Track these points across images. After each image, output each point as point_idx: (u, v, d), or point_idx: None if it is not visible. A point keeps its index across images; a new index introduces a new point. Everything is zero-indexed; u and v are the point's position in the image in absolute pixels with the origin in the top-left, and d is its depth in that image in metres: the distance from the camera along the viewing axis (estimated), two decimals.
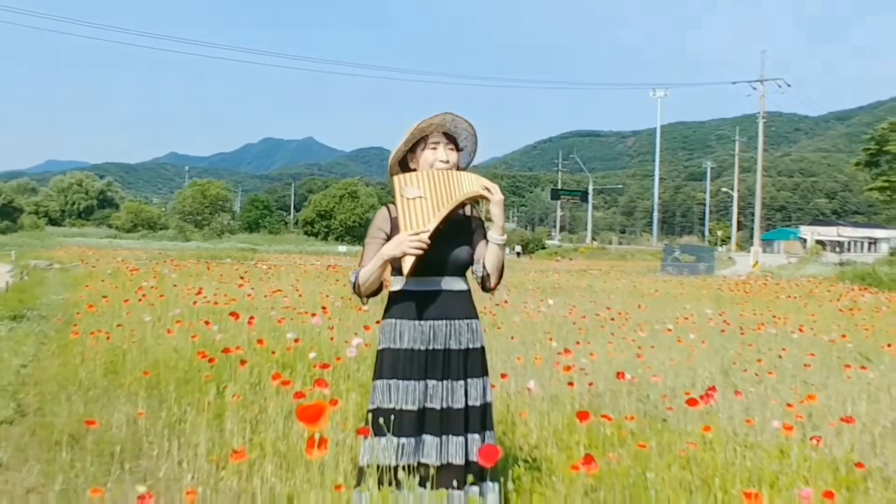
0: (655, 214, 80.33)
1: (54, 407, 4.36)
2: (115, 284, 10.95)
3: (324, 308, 7.33)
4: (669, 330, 7.61)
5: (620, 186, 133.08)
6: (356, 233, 66.29)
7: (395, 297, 2.48)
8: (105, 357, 5.47)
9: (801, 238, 62.93)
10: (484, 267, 2.49)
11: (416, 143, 2.51)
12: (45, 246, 36.13)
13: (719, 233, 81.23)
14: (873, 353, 6.74)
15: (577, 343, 6.45)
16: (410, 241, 2.32)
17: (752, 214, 44.87)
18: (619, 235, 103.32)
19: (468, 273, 2.54)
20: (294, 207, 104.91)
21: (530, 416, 3.99)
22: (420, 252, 2.32)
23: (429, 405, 2.38)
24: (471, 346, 2.46)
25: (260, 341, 4.95)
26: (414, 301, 2.43)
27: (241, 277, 12.55)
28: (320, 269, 20.32)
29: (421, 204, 2.38)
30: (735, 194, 60.06)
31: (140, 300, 7.76)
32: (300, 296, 9.25)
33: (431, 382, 2.40)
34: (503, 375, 4.53)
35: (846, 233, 63.79)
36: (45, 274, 17.03)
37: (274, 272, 17.09)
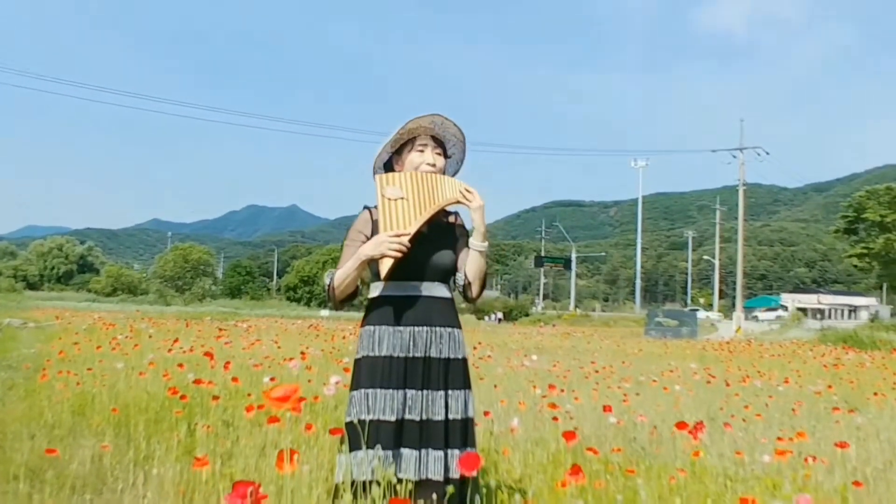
0: (638, 283, 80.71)
1: (16, 444, 4.16)
2: (89, 338, 10.71)
3: (302, 354, 7.16)
4: (655, 381, 7.52)
5: (603, 255, 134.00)
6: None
7: (373, 303, 2.38)
8: (73, 400, 5.27)
9: (782, 305, 63.31)
10: (465, 275, 2.40)
11: (403, 145, 2.44)
12: (21, 308, 35.55)
13: (701, 300, 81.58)
14: (860, 403, 6.68)
15: (562, 391, 6.33)
16: (390, 242, 2.23)
17: (734, 283, 45.15)
18: (603, 303, 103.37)
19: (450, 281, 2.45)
20: (277, 274, 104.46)
21: (514, 454, 3.85)
22: (399, 254, 2.23)
23: (408, 416, 2.25)
24: (452, 355, 2.35)
25: (234, 379, 4.79)
26: (393, 307, 2.33)
27: (220, 330, 12.34)
28: (301, 328, 20.08)
29: (402, 205, 2.30)
30: (717, 262, 60.56)
31: (113, 349, 7.57)
32: (279, 348, 9.07)
33: (410, 392, 2.27)
34: (486, 413, 4.39)
35: (826, 300, 64.32)
36: (19, 332, 16.67)
37: (254, 330, 16.84)
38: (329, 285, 2.35)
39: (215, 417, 4.15)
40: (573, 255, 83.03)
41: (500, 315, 58.53)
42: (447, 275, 2.41)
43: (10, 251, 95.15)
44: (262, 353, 8.07)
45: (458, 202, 2.38)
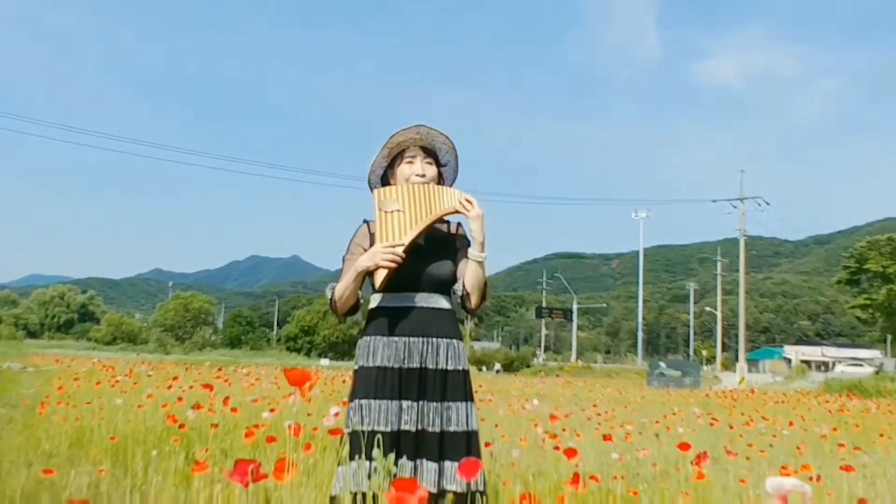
0: (640, 335, 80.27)
1: (12, 470, 4.12)
2: (88, 378, 10.66)
3: (302, 392, 7.11)
4: (657, 422, 7.45)
5: (605, 306, 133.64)
6: (339, 349, 65.62)
7: (371, 315, 2.38)
8: (71, 433, 5.24)
9: (785, 358, 62.88)
10: (464, 286, 2.39)
11: (394, 158, 2.48)
12: (21, 354, 35.38)
13: (704, 352, 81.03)
14: (865, 445, 6.60)
15: (564, 430, 6.27)
16: (384, 253, 2.24)
17: (736, 335, 44.93)
18: (604, 355, 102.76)
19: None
20: (277, 324, 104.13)
21: (514, 485, 3.80)
22: (393, 265, 2.25)
23: (403, 427, 2.23)
24: (450, 367, 2.32)
25: (234, 409, 4.77)
26: (389, 317, 2.33)
27: (220, 370, 12.26)
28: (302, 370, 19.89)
29: (398, 217, 2.33)
30: (719, 314, 60.33)
31: (112, 386, 7.53)
32: (278, 388, 9.01)
33: (406, 403, 2.25)
34: (487, 444, 4.35)
35: (830, 353, 63.87)
36: (19, 375, 16.58)
37: (254, 375, 16.73)
38: (331, 298, 2.37)
39: (214, 446, 4.11)
40: (574, 307, 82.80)
41: (499, 366, 58.20)
42: (445, 285, 2.40)
43: (11, 299, 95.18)
44: (262, 392, 8.03)
45: (457, 212, 2.38)
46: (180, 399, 5.58)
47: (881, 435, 6.61)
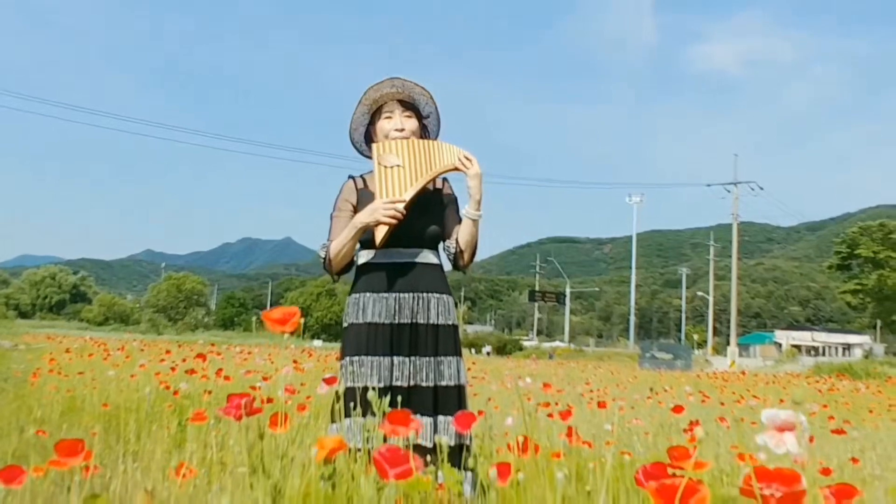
0: (632, 319, 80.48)
1: (4, 435, 4.11)
2: (80, 353, 10.63)
3: (295, 362, 7.13)
4: (650, 397, 7.49)
5: (597, 290, 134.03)
6: (332, 331, 65.59)
7: (360, 271, 2.36)
8: (64, 403, 5.22)
9: (776, 342, 63.24)
10: (457, 243, 2.37)
11: (374, 115, 2.44)
12: (12, 333, 35.27)
13: (695, 337, 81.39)
14: (855, 421, 6.65)
15: (556, 403, 6.29)
16: (385, 209, 2.21)
17: (728, 320, 45.12)
18: (596, 339, 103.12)
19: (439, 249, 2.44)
20: (270, 306, 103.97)
21: (507, 454, 3.82)
22: (395, 221, 2.22)
23: (395, 383, 2.22)
24: (442, 321, 2.31)
25: (227, 378, 4.76)
26: (379, 273, 2.31)
27: (212, 345, 12.25)
28: (295, 352, 19.94)
29: (398, 173, 2.29)
30: (711, 299, 60.56)
31: (105, 359, 7.51)
32: (272, 363, 9.01)
33: (398, 359, 2.25)
34: (480, 412, 4.36)
35: (820, 338, 64.27)
36: (10, 352, 16.54)
37: (247, 351, 16.72)
38: (325, 258, 2.34)
39: (208, 413, 4.11)
40: (567, 291, 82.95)
41: (489, 348, 58.35)
42: (435, 241, 2.39)
43: (2, 279, 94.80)
44: (255, 366, 8.02)
45: (456, 169, 2.36)
46: (173, 369, 5.57)
47: (870, 411, 6.66)
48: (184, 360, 7.37)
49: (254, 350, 20.25)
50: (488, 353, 54.56)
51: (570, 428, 2.22)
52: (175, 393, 4.07)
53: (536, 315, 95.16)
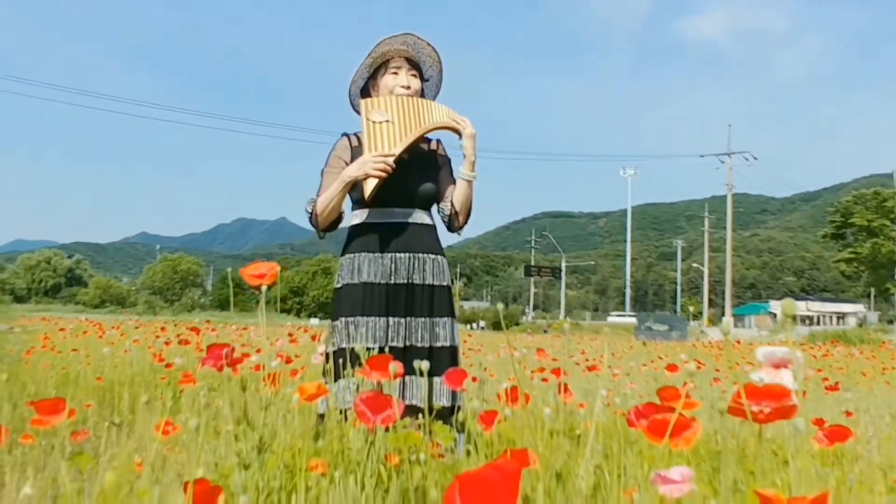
0: (628, 292, 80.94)
1: None
2: (75, 334, 10.62)
3: (290, 335, 7.12)
4: (644, 366, 7.51)
5: (593, 264, 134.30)
6: (329, 309, 65.57)
7: (354, 231, 2.33)
8: (58, 379, 5.21)
9: (771, 312, 63.53)
10: (452, 204, 2.36)
11: (377, 69, 2.40)
12: (8, 317, 35.24)
13: (691, 308, 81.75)
14: (849, 385, 6.68)
15: (553, 370, 6.30)
16: (375, 162, 2.18)
17: (723, 292, 45.28)
18: (593, 313, 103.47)
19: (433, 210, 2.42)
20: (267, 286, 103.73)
21: (502, 417, 3.81)
22: (384, 175, 2.19)
23: (391, 344, 2.20)
24: (437, 282, 2.30)
25: None
26: (374, 234, 2.28)
27: (208, 322, 12.24)
28: (292, 329, 19.98)
29: (388, 128, 2.26)
30: (706, 271, 60.71)
31: (100, 337, 7.49)
32: (267, 338, 9.02)
33: (393, 319, 2.23)
34: (474, 379, 4.36)
35: (815, 307, 64.54)
36: (6, 335, 16.51)
37: (243, 329, 16.73)
38: (311, 212, 2.30)
39: (202, 382, 4.09)
40: (563, 265, 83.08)
41: (483, 323, 58.51)
42: (429, 202, 2.37)
43: None
44: (249, 340, 8.02)
45: (449, 128, 2.34)
46: (167, 343, 5.56)
47: (864, 374, 6.68)
48: (178, 337, 7.36)
49: (250, 328, 20.31)
50: (482, 328, 54.69)
51: (564, 385, 2.20)
52: (168, 366, 4.05)
53: (532, 290, 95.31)
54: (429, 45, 2.40)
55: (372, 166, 2.18)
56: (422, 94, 2.44)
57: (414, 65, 2.40)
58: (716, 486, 1.42)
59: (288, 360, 3.25)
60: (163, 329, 8.03)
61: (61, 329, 7.86)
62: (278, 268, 1.46)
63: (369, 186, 2.20)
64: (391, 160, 2.20)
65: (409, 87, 2.35)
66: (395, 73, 2.36)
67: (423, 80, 2.44)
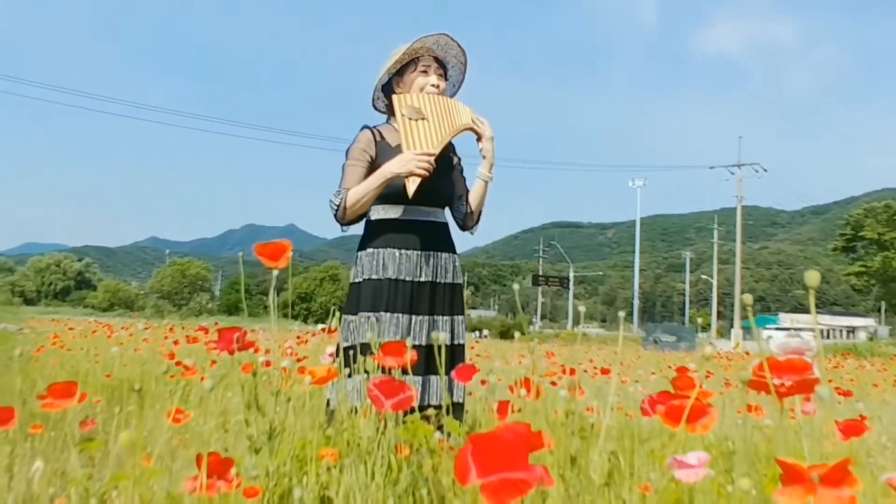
0: (636, 303, 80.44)
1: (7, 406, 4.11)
2: (84, 335, 10.66)
3: (298, 337, 7.14)
4: (654, 373, 7.48)
5: (601, 274, 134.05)
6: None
7: (376, 226, 2.31)
8: (67, 377, 5.23)
9: (781, 327, 63.16)
10: (468, 203, 2.38)
11: (405, 66, 2.39)
12: (18, 319, 35.38)
13: (699, 320, 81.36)
14: (861, 395, 6.63)
15: (562, 375, 6.28)
16: (418, 161, 2.16)
17: (732, 304, 45.12)
18: (601, 324, 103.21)
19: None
20: (274, 291, 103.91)
21: (511, 416, 3.81)
22: (426, 173, 2.17)
23: (414, 342, 2.19)
24: (456, 280, 2.34)
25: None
26: (399, 231, 2.28)
27: (216, 324, 12.28)
28: (299, 332, 20.03)
29: (424, 126, 2.25)
30: (714, 282, 60.45)
31: (109, 337, 7.51)
32: (275, 341, 9.03)
33: (416, 317, 2.23)
34: (483, 382, 4.34)
35: (825, 321, 64.15)
36: (15, 336, 16.59)
37: (253, 335, 16.77)
38: (340, 204, 2.24)
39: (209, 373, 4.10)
40: (571, 275, 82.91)
41: (486, 332, 58.42)
42: (449, 202, 2.40)
43: (7, 267, 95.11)
44: (260, 343, 8.04)
45: (472, 129, 2.35)
46: (176, 343, 5.57)
47: (875, 385, 6.64)
48: (187, 337, 7.39)
49: (258, 331, 20.36)
50: (485, 337, 54.53)
51: (577, 384, 2.19)
52: (178, 363, 4.05)
53: (540, 299, 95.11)
54: (459, 46, 2.41)
55: (416, 164, 2.16)
56: (444, 93, 2.45)
57: (441, 65, 2.41)
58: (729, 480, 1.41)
59: (298, 360, 3.24)
60: (171, 330, 8.04)
61: (70, 328, 7.87)
62: (291, 246, 1.46)
63: (412, 185, 2.18)
64: (432, 159, 2.20)
65: (438, 87, 2.36)
66: (425, 72, 2.37)
67: (445, 79, 2.45)
